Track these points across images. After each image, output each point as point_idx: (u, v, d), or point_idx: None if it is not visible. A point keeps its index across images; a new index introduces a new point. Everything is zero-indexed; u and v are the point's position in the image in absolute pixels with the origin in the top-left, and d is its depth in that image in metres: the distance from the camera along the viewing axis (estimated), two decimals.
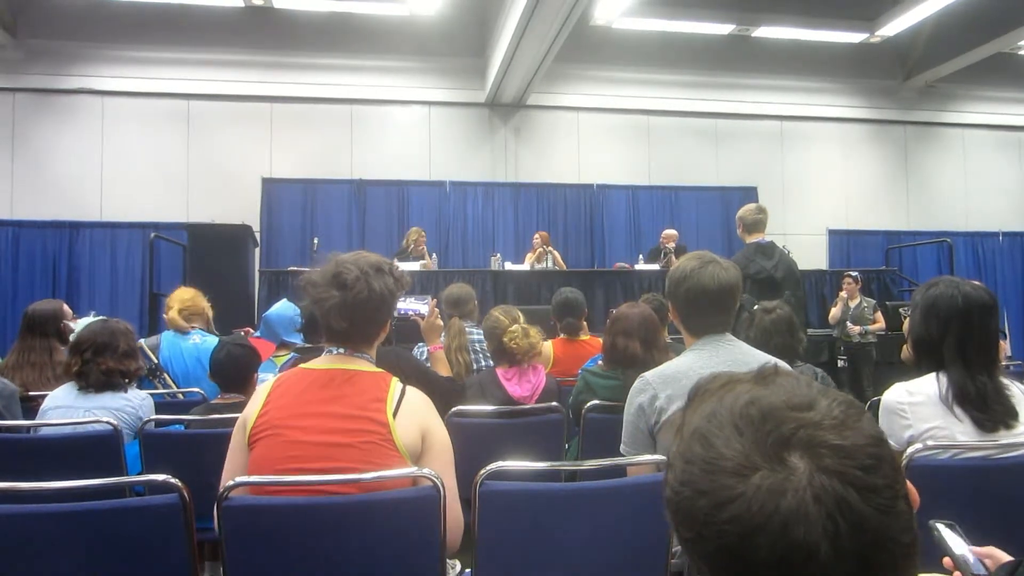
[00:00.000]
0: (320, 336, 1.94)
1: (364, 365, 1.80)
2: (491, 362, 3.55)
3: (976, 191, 11.61)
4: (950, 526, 1.06)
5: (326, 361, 1.80)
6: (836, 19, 9.69)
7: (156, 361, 3.58)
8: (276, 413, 1.69)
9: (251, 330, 5.18)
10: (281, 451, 1.66)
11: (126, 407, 2.76)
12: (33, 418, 2.78)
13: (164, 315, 3.98)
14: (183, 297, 3.95)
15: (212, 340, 3.73)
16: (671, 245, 8.65)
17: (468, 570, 1.86)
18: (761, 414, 0.63)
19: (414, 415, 1.75)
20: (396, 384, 1.77)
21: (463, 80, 10.04)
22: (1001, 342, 2.37)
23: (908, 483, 0.65)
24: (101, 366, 2.75)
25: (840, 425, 0.62)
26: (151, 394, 3.24)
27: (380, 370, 1.81)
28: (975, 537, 1.08)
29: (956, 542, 1.04)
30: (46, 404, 2.76)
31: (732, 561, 0.60)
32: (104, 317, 3.04)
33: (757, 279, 4.54)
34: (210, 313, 4.09)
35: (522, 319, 3.24)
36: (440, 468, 1.73)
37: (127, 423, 2.74)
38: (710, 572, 0.63)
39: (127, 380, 2.85)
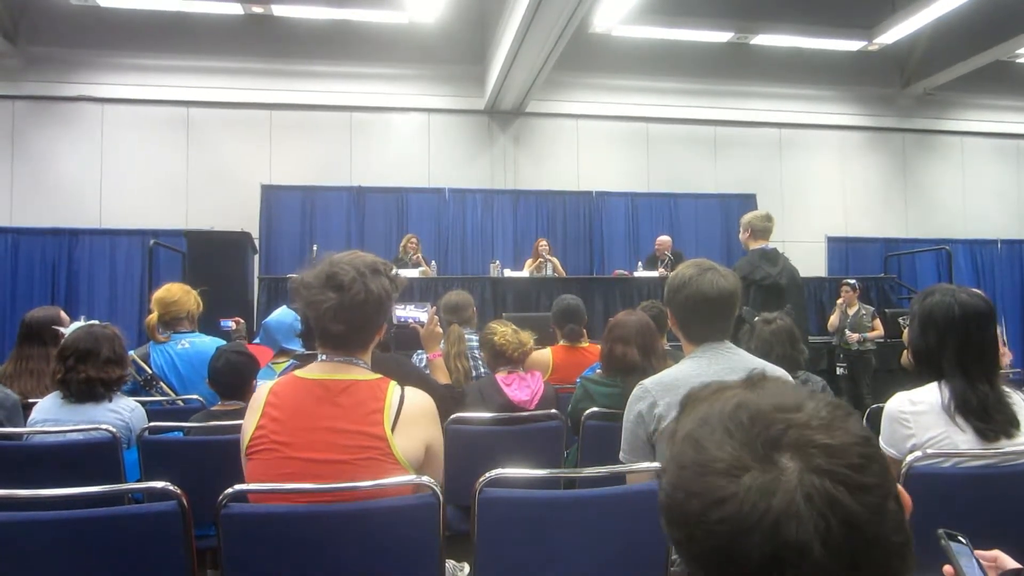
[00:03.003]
0: None
1: (360, 373, 1.73)
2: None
3: (974, 198, 11.65)
4: (956, 536, 1.05)
5: (321, 370, 1.73)
6: (834, 27, 9.72)
7: (150, 371, 3.52)
8: (272, 427, 1.65)
9: (241, 320, 5.17)
10: (277, 468, 1.62)
11: (115, 420, 2.70)
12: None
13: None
14: (166, 300, 3.68)
15: (202, 342, 3.67)
16: (668, 253, 8.68)
17: None
18: (750, 416, 0.65)
19: (417, 428, 1.70)
20: (394, 390, 1.71)
21: (462, 87, 10.07)
22: (1006, 350, 2.37)
23: (899, 486, 0.65)
24: (81, 374, 2.69)
25: (828, 425, 0.63)
26: (150, 401, 3.24)
27: (377, 376, 1.75)
28: (977, 545, 1.08)
29: (962, 553, 1.03)
30: (34, 416, 2.74)
31: (724, 561, 0.60)
32: (93, 322, 2.99)
33: (762, 285, 4.53)
34: (197, 310, 3.80)
35: (512, 327, 3.30)
36: (435, 471, 1.73)
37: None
38: (702, 573, 0.63)
39: (112, 388, 2.78)
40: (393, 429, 1.66)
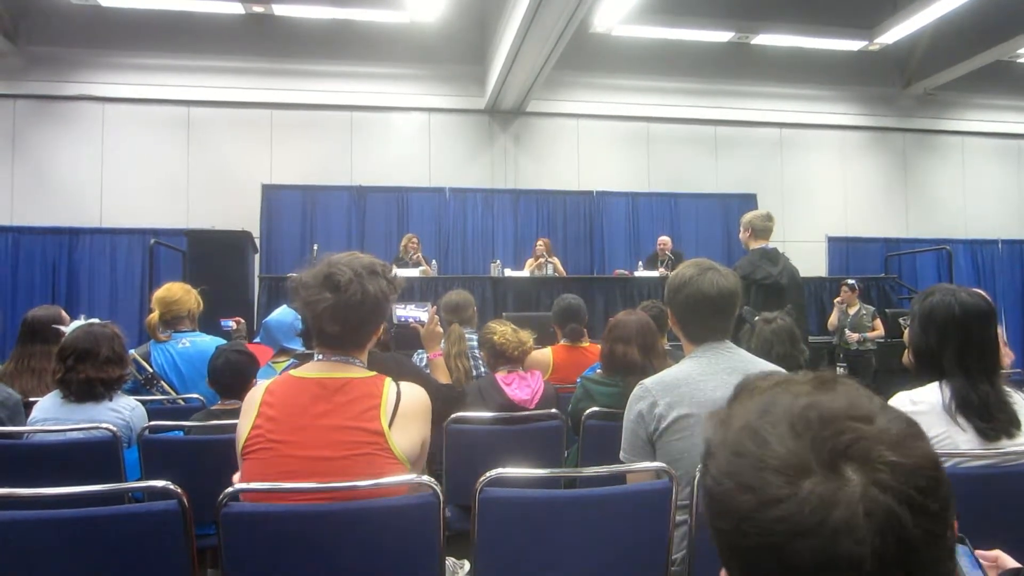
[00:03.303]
0: None
1: (356, 371, 1.74)
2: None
3: (975, 198, 11.64)
4: (959, 540, 1.06)
5: (317, 369, 1.74)
6: (835, 27, 9.72)
7: (151, 370, 3.52)
8: (268, 426, 1.65)
9: (241, 320, 5.17)
10: (275, 466, 1.62)
11: (116, 419, 2.70)
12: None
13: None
14: (167, 299, 3.69)
15: (203, 341, 3.67)
16: (668, 253, 8.69)
17: None
18: (820, 419, 0.62)
19: (414, 425, 1.72)
20: (390, 387, 1.72)
21: (463, 87, 10.07)
22: (1009, 350, 2.36)
23: None
24: (80, 374, 2.69)
25: (899, 443, 0.61)
26: (151, 400, 3.24)
27: (372, 373, 1.76)
28: (977, 545, 1.08)
29: (962, 553, 1.03)
30: (34, 414, 2.74)
31: (769, 560, 0.59)
32: (93, 320, 2.99)
33: (763, 284, 4.53)
34: (197, 310, 3.82)
35: (511, 326, 3.32)
36: (422, 466, 1.75)
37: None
38: (740, 568, 0.63)
39: (112, 388, 2.78)
40: (391, 425, 1.67)
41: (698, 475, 0.69)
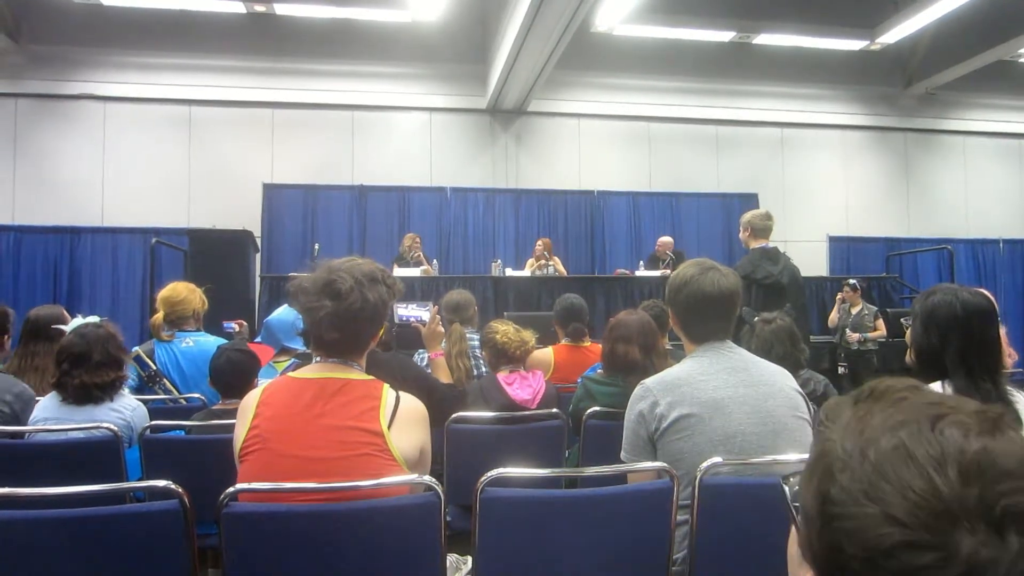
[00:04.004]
0: None
1: (355, 374, 1.75)
2: None
3: (977, 198, 11.63)
4: None
5: (315, 371, 1.75)
6: (836, 26, 9.72)
7: (154, 367, 3.52)
8: (266, 426, 1.65)
9: (244, 323, 5.17)
10: (273, 466, 1.62)
11: (117, 419, 2.69)
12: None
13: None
14: (172, 299, 3.67)
15: (206, 341, 3.66)
16: (670, 253, 8.69)
17: None
18: (995, 470, 0.55)
19: (414, 430, 1.72)
20: (388, 392, 1.73)
21: (464, 86, 10.07)
22: (1012, 350, 2.35)
23: None
24: (75, 380, 2.68)
25: None
26: (152, 400, 3.24)
27: (370, 378, 1.77)
28: None
29: None
30: (35, 414, 2.73)
31: None
32: (89, 320, 2.97)
33: (764, 284, 4.54)
34: (202, 309, 3.80)
35: (514, 326, 3.31)
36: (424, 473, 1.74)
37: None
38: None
39: (108, 391, 2.75)
40: (390, 426, 1.67)
41: (815, 478, 0.64)
